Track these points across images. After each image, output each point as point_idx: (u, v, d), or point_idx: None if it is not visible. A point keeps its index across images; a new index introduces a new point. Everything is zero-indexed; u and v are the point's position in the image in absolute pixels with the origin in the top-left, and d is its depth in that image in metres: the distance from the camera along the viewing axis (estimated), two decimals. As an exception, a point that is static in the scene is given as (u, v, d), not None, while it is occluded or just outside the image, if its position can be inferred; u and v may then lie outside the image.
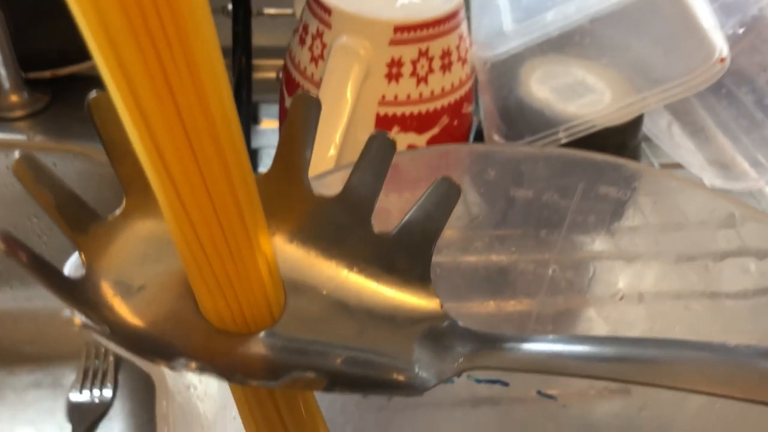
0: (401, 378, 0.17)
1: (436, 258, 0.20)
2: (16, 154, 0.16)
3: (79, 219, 0.17)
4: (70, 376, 0.54)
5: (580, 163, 0.23)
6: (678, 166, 0.45)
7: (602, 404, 0.29)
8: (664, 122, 0.46)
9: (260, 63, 0.57)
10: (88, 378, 0.53)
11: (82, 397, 0.52)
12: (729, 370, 0.17)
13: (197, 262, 0.16)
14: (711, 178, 0.42)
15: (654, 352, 0.17)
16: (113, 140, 0.18)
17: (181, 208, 0.15)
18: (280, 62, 0.54)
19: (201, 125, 0.14)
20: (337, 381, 0.16)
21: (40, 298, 0.58)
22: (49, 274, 0.16)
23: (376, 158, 0.18)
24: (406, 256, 0.19)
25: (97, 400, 0.52)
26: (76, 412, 0.52)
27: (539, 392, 0.29)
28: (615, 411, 0.28)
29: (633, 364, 0.17)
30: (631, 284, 0.25)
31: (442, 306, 0.19)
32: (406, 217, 0.18)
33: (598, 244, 0.24)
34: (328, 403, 0.26)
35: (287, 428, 0.20)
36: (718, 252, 0.22)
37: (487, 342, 0.18)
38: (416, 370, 0.17)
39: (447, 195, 0.18)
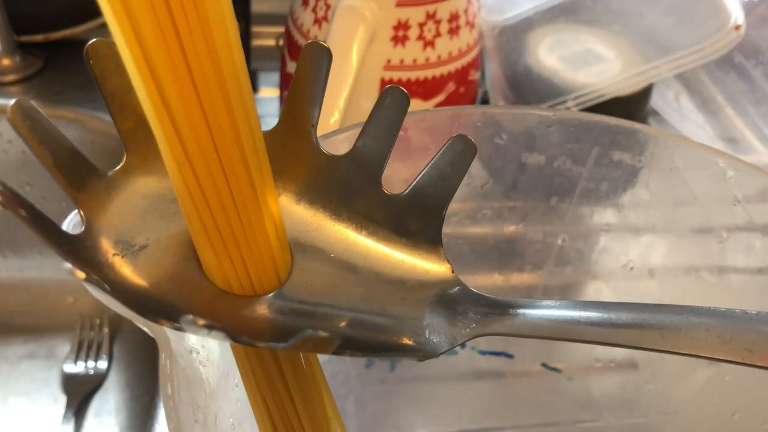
0: (411, 342, 0.16)
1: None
2: (13, 101, 0.15)
3: (78, 174, 0.17)
4: (65, 347, 0.54)
5: (595, 127, 0.22)
6: (684, 139, 0.44)
7: (607, 378, 0.29)
8: (672, 95, 0.45)
9: (259, 30, 0.56)
10: (83, 349, 0.53)
11: (77, 368, 0.52)
12: (751, 338, 0.16)
13: (202, 220, 0.15)
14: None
15: (673, 318, 0.17)
16: (113, 91, 0.17)
17: (185, 161, 0.14)
18: (279, 29, 0.53)
19: (207, 69, 0.13)
20: (346, 344, 0.15)
21: (34, 269, 0.57)
22: (48, 230, 0.15)
23: (388, 114, 0.17)
24: (417, 218, 0.18)
25: (92, 372, 0.52)
26: (70, 383, 0.51)
27: (544, 365, 0.29)
28: (620, 384, 0.28)
29: (652, 330, 0.16)
30: (641, 256, 0.24)
31: (453, 270, 0.18)
32: (419, 177, 0.18)
33: (610, 213, 0.24)
34: (330, 374, 0.26)
35: (291, 395, 0.20)
36: (732, 225, 0.22)
37: (499, 307, 0.17)
38: (427, 334, 0.17)
39: (462, 154, 0.17)
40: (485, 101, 0.37)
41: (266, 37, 0.57)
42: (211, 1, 0.13)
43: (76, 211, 0.17)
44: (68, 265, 0.13)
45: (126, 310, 0.14)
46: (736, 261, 0.22)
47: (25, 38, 0.53)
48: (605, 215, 0.24)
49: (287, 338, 0.14)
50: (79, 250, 0.15)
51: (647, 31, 0.34)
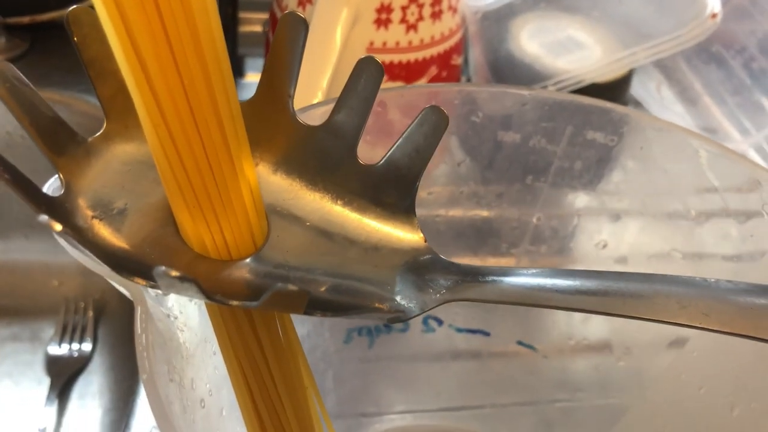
0: (383, 306, 0.17)
1: (418, 206, 0.19)
2: (-5, 64, 0.16)
3: (58, 139, 0.17)
4: (49, 330, 0.53)
5: (568, 107, 0.22)
6: (664, 129, 0.45)
7: (582, 357, 0.29)
8: (653, 85, 0.46)
9: (246, 16, 0.56)
10: (67, 332, 0.53)
11: (61, 350, 0.52)
12: (708, 304, 0.17)
13: (178, 183, 0.16)
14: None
15: (636, 285, 0.17)
16: (94, 58, 0.17)
17: (162, 123, 0.15)
18: (265, 15, 0.53)
19: (184, 32, 0.14)
20: (318, 303, 0.16)
21: (18, 251, 0.57)
22: (29, 191, 0.15)
23: (364, 86, 0.18)
24: (392, 188, 0.19)
25: (76, 354, 0.52)
26: (54, 365, 0.51)
27: (520, 342, 0.29)
28: (594, 364, 0.28)
29: (615, 296, 0.17)
30: (614, 235, 0.25)
31: (425, 240, 0.19)
32: (393, 148, 0.18)
33: (583, 193, 0.24)
34: (309, 348, 0.26)
35: (268, 362, 0.20)
36: (703, 211, 0.22)
37: (469, 274, 0.18)
38: (399, 299, 0.17)
39: (435, 126, 0.18)
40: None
41: (253, 23, 0.57)
42: None
43: (57, 175, 0.17)
44: (44, 217, 0.13)
45: (102, 268, 0.15)
46: (707, 246, 0.23)
47: (11, 20, 0.53)
48: (579, 195, 0.25)
49: (261, 296, 0.14)
50: (58, 211, 0.16)
51: (626, 18, 0.35)
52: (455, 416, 0.32)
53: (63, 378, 0.50)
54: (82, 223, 0.16)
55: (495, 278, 0.18)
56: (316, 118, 0.19)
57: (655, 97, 0.45)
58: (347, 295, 0.17)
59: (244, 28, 0.56)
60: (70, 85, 0.51)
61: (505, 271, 0.18)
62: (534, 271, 0.18)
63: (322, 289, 0.17)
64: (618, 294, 0.17)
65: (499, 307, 0.29)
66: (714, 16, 0.32)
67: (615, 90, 0.37)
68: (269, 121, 0.18)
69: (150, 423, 0.38)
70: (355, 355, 0.29)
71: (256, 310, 0.18)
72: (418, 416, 0.32)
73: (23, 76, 0.16)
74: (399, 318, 0.17)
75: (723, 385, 0.23)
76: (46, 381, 0.50)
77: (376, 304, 0.17)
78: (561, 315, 0.29)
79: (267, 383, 0.21)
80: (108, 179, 0.17)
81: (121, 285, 0.16)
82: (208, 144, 0.15)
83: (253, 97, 0.18)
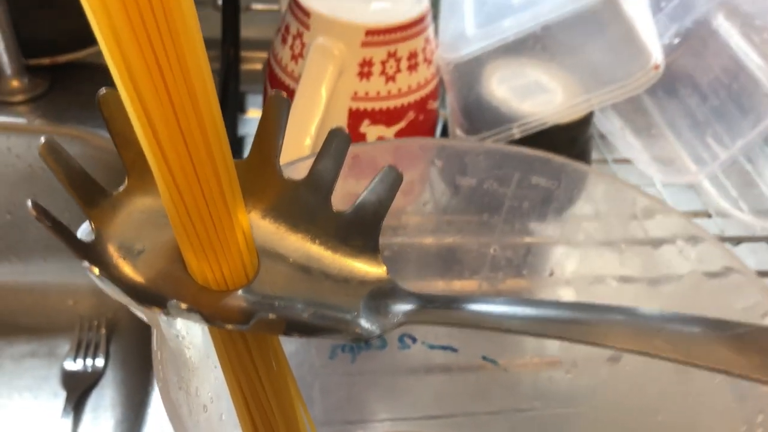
0: (350, 328, 0.21)
1: (392, 239, 0.24)
2: (42, 139, 0.20)
3: (90, 194, 0.21)
4: (65, 346, 0.57)
5: (515, 157, 0.26)
6: (628, 161, 0.49)
7: (536, 370, 0.33)
8: (618, 122, 0.50)
9: (247, 55, 0.60)
10: (82, 348, 0.57)
11: (76, 366, 0.56)
12: (640, 332, 0.20)
13: (186, 230, 0.20)
14: (656, 172, 0.46)
15: (572, 314, 0.21)
16: (119, 131, 0.21)
17: (173, 185, 0.19)
18: (266, 54, 0.57)
19: (192, 119, 0.18)
20: (297, 327, 0.20)
21: (37, 274, 0.61)
22: (67, 236, 0.19)
23: (335, 149, 0.22)
24: (359, 231, 0.23)
25: (90, 370, 0.55)
26: (70, 380, 0.55)
27: (484, 357, 0.33)
28: (547, 376, 0.32)
29: (542, 322, 0.21)
30: (558, 264, 0.29)
31: (387, 272, 0.23)
32: (359, 199, 0.22)
33: (531, 227, 0.28)
34: (297, 363, 0.30)
35: (260, 375, 0.24)
36: (631, 239, 0.26)
37: (422, 301, 0.22)
38: (362, 323, 0.21)
39: (393, 181, 0.22)
40: (445, 126, 0.42)
41: (254, 62, 0.62)
42: (194, 67, 0.18)
43: (88, 222, 0.21)
44: (85, 263, 0.17)
45: (126, 299, 0.19)
46: (634, 271, 0.27)
47: (33, 61, 0.57)
48: (528, 229, 0.29)
49: (250, 321, 0.19)
50: (91, 254, 0.20)
51: (584, 67, 0.39)
52: (431, 424, 0.36)
53: (78, 392, 0.54)
54: (110, 262, 0.20)
55: (443, 304, 0.22)
56: (300, 170, 0.24)
57: (618, 132, 0.49)
58: (321, 320, 0.21)
59: (246, 66, 0.60)
60: (86, 121, 0.55)
61: (451, 299, 0.22)
62: (476, 298, 0.22)
63: (302, 315, 0.21)
64: (556, 321, 0.21)
65: (465, 326, 0.33)
66: (656, 67, 0.36)
67: (576, 129, 0.42)
68: (260, 177, 0.22)
69: None
70: (339, 369, 0.33)
71: (248, 333, 0.22)
72: (397, 424, 0.36)
73: (63, 147, 0.21)
74: (361, 338, 0.21)
75: (649, 393, 0.27)
76: (62, 394, 0.53)
77: (344, 327, 0.21)
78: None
79: (259, 393, 0.25)
80: (129, 226, 0.21)
81: (140, 312, 0.21)
82: (209, 198, 0.20)
83: (247, 157, 0.22)
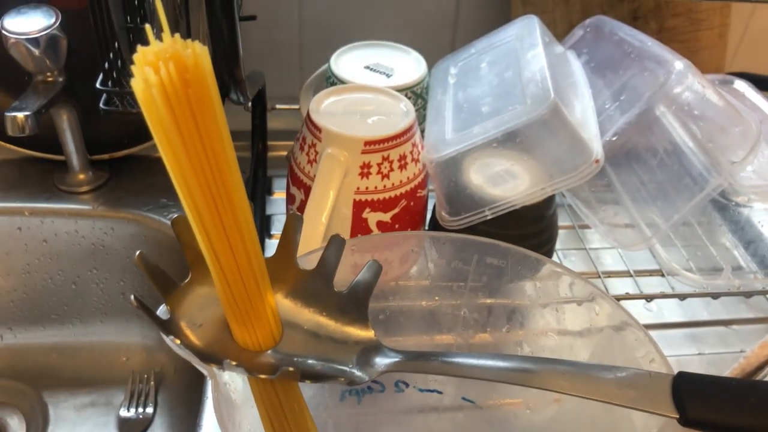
0: (347, 376, 0.30)
1: (385, 303, 0.33)
2: (138, 252, 0.29)
3: (165, 284, 0.30)
4: (120, 396, 0.65)
5: (473, 243, 0.35)
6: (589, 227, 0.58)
7: (504, 408, 0.41)
8: (584, 195, 0.58)
9: (273, 144, 0.70)
10: (134, 398, 0.65)
11: (130, 413, 0.64)
12: (583, 380, 0.29)
13: (231, 309, 0.29)
14: (613, 238, 0.54)
15: (517, 364, 0.29)
16: (185, 241, 0.31)
17: (223, 278, 0.28)
18: (290, 143, 0.67)
19: (236, 236, 0.27)
20: (309, 376, 0.29)
21: (95, 334, 0.69)
22: (152, 315, 0.29)
23: (334, 249, 0.31)
24: (353, 306, 0.32)
25: (141, 416, 0.63)
26: (124, 425, 0.63)
27: (464, 398, 0.42)
28: (512, 413, 0.40)
29: (501, 371, 0.29)
30: (512, 321, 0.37)
31: (375, 335, 0.32)
32: (352, 282, 0.32)
33: (490, 294, 0.37)
34: (314, 404, 0.39)
35: (285, 414, 0.33)
36: (562, 299, 0.35)
37: (400, 355, 0.31)
38: (356, 371, 0.30)
39: (376, 270, 0.31)
40: (434, 209, 0.51)
41: (280, 150, 0.72)
42: (239, 203, 0.27)
43: (164, 305, 0.31)
44: (170, 337, 0.26)
45: (193, 358, 0.28)
46: (568, 326, 0.36)
47: (95, 157, 0.66)
48: (487, 295, 0.37)
49: (277, 371, 0.28)
50: (168, 327, 0.29)
51: (544, 160, 0.48)
52: (425, 454, 0.44)
53: None
54: (181, 333, 0.30)
55: (414, 357, 0.31)
56: (311, 260, 0.33)
57: (583, 204, 0.57)
58: (326, 370, 0.30)
59: (272, 154, 0.70)
60: (140, 206, 0.63)
61: (421, 354, 0.31)
62: (444, 353, 0.30)
63: (314, 367, 0.30)
64: (504, 369, 0.29)
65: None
66: (597, 161, 0.45)
67: (541, 208, 0.50)
68: (283, 270, 0.32)
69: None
70: (348, 409, 0.42)
71: (276, 380, 0.31)
72: (397, 454, 0.44)
73: (149, 254, 0.30)
74: (355, 383, 0.30)
75: (584, 425, 0.35)
76: None
77: (343, 375, 0.30)
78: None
79: (284, 427, 0.33)
80: (192, 307, 0.30)
81: (200, 367, 0.30)
82: (248, 286, 0.29)
83: (273, 255, 0.32)
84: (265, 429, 0.33)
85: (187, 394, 0.64)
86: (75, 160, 0.64)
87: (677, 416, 0.27)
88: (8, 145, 0.65)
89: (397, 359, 0.30)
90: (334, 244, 0.31)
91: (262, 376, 0.28)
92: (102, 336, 0.69)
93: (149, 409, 0.64)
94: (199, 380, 0.57)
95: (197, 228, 0.27)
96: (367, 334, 0.32)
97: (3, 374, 0.67)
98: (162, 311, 0.30)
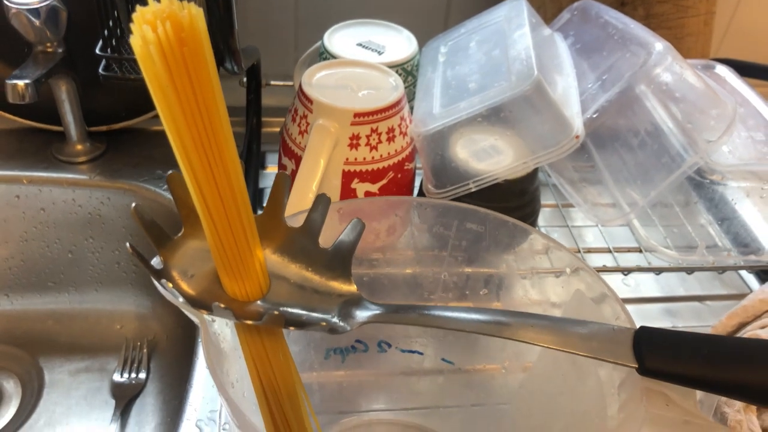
0: (328, 324, 0.32)
1: (368, 269, 0.34)
2: (133, 205, 0.31)
3: (160, 237, 0.32)
4: (113, 362, 0.67)
5: (453, 209, 0.37)
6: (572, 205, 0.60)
7: (482, 371, 0.43)
8: (569, 175, 0.60)
9: (267, 120, 0.71)
10: (128, 364, 0.66)
11: (123, 379, 0.65)
12: (550, 331, 0.31)
13: (222, 261, 0.31)
14: (594, 215, 0.56)
15: (491, 317, 0.31)
16: (178, 196, 0.32)
17: (215, 232, 0.30)
18: (283, 119, 0.69)
19: (227, 191, 0.29)
20: (292, 323, 0.31)
21: (91, 302, 0.71)
22: (146, 264, 0.30)
23: (321, 208, 0.33)
24: (338, 262, 0.33)
25: (134, 382, 0.65)
26: (117, 390, 0.65)
27: (443, 359, 0.44)
28: (490, 375, 0.42)
29: (476, 323, 0.31)
30: (490, 285, 0.39)
31: (357, 289, 0.34)
32: (336, 240, 0.33)
33: (469, 258, 0.39)
34: (300, 361, 0.41)
35: (271, 364, 0.35)
36: (539, 268, 0.37)
37: (380, 307, 0.33)
38: (337, 321, 0.32)
39: (359, 228, 0.33)
40: (421, 183, 0.53)
41: (273, 126, 0.73)
42: (230, 160, 0.29)
43: (158, 256, 0.32)
44: (163, 281, 0.28)
45: (184, 304, 0.30)
46: (548, 296, 0.37)
47: (93, 128, 0.67)
48: (467, 260, 0.39)
49: (262, 318, 0.29)
50: (162, 276, 0.31)
51: (526, 135, 0.49)
52: (406, 413, 0.46)
53: (124, 400, 0.63)
54: (173, 282, 0.31)
55: (395, 309, 0.32)
56: (299, 219, 0.35)
57: (567, 183, 0.59)
58: (309, 318, 0.32)
59: (266, 130, 0.71)
60: (137, 177, 0.65)
61: (402, 306, 0.33)
62: (423, 306, 0.32)
63: (298, 315, 0.32)
64: (481, 322, 0.31)
65: (428, 333, 0.43)
66: (577, 137, 0.47)
67: (524, 182, 0.52)
68: (271, 227, 0.33)
69: None
70: (332, 367, 0.43)
71: (262, 326, 0.32)
72: (379, 414, 0.46)
73: (143, 207, 0.32)
74: (336, 331, 0.31)
75: (557, 392, 0.37)
76: (112, 403, 0.63)
77: (325, 323, 0.32)
78: (470, 340, 0.43)
79: (270, 377, 0.35)
80: (185, 259, 0.32)
81: (191, 314, 0.32)
82: (238, 241, 0.30)
83: (262, 213, 0.34)
84: (251, 377, 0.35)
85: (178, 362, 0.66)
86: (73, 130, 0.66)
87: (636, 366, 0.29)
88: (8, 115, 0.67)
89: (377, 311, 0.32)
90: (321, 203, 0.33)
91: (249, 322, 0.30)
92: (97, 304, 0.71)
93: (142, 375, 0.66)
94: (190, 348, 0.59)
95: (190, 182, 0.28)
96: (349, 288, 0.33)
97: (0, 340, 0.68)
98: (156, 261, 0.32)
